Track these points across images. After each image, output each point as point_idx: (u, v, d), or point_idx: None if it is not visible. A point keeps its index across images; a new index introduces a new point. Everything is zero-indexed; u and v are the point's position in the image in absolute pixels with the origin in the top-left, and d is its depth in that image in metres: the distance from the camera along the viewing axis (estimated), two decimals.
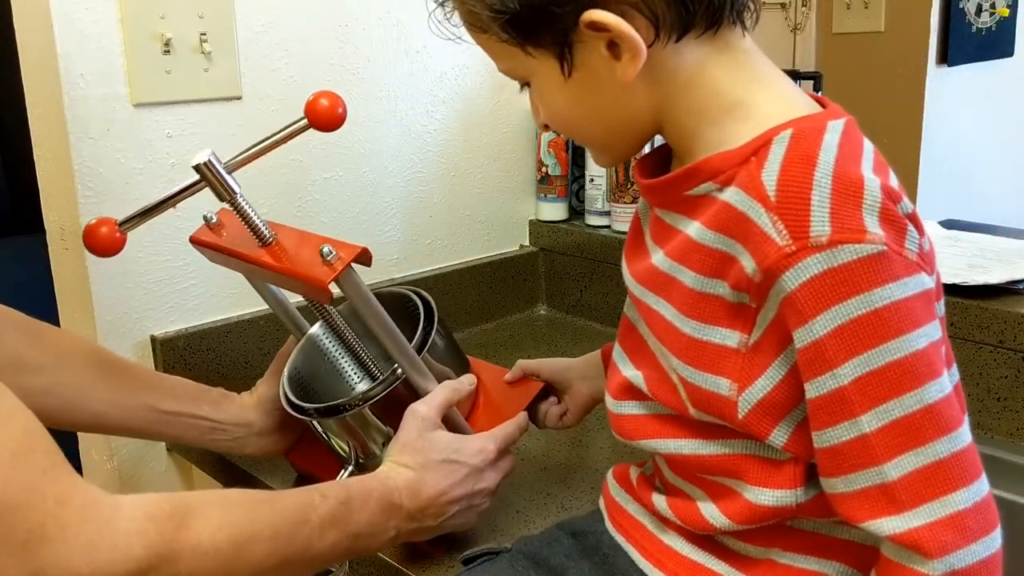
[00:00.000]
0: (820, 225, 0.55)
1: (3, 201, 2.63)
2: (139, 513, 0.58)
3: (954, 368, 0.63)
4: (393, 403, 0.84)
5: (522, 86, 0.69)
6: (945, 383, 0.57)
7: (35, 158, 1.11)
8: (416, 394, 0.85)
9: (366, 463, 0.89)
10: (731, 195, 0.59)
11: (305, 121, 0.80)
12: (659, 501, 0.72)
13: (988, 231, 1.25)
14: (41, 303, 0.91)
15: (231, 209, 0.80)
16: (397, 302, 0.94)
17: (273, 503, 0.68)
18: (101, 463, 1.15)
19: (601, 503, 0.82)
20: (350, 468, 0.90)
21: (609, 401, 0.74)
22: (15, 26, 1.08)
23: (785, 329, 0.58)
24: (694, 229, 0.62)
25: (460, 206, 1.43)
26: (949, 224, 1.29)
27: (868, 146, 0.61)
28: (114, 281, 1.11)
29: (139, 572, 0.56)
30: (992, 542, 0.56)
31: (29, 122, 1.10)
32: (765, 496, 0.63)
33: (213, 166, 0.78)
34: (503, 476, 0.85)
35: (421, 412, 0.82)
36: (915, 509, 0.55)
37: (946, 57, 2.11)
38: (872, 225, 0.55)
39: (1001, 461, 0.99)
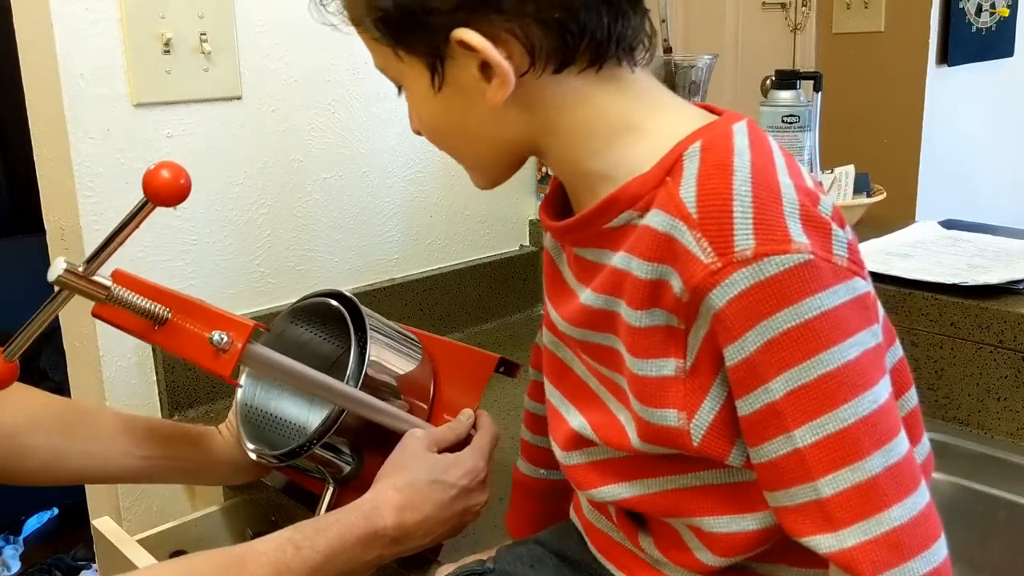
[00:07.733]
0: (744, 238, 0.53)
1: (3, 201, 2.63)
2: None
3: (896, 344, 0.62)
4: (351, 422, 0.84)
5: (399, 89, 0.66)
6: (880, 393, 0.54)
7: (35, 158, 1.11)
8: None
9: (342, 481, 0.89)
10: (652, 218, 0.57)
11: (148, 201, 0.71)
12: (647, 545, 0.68)
13: (988, 231, 1.25)
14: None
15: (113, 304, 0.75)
16: (325, 310, 0.92)
17: (242, 568, 0.67)
18: None
19: (577, 522, 0.77)
20: (331, 489, 0.89)
21: (558, 453, 0.70)
22: (15, 26, 1.08)
23: (718, 347, 0.55)
24: (620, 259, 0.59)
25: (460, 206, 1.43)
26: (949, 224, 1.29)
27: (774, 144, 0.59)
28: None
29: None
30: (932, 556, 0.54)
31: (29, 122, 1.10)
32: (747, 522, 0.61)
33: (72, 276, 0.73)
34: (489, 492, 0.84)
35: (417, 434, 0.83)
36: (849, 528, 0.53)
37: (946, 57, 2.11)
38: (796, 233, 0.53)
39: (1001, 461, 0.99)
